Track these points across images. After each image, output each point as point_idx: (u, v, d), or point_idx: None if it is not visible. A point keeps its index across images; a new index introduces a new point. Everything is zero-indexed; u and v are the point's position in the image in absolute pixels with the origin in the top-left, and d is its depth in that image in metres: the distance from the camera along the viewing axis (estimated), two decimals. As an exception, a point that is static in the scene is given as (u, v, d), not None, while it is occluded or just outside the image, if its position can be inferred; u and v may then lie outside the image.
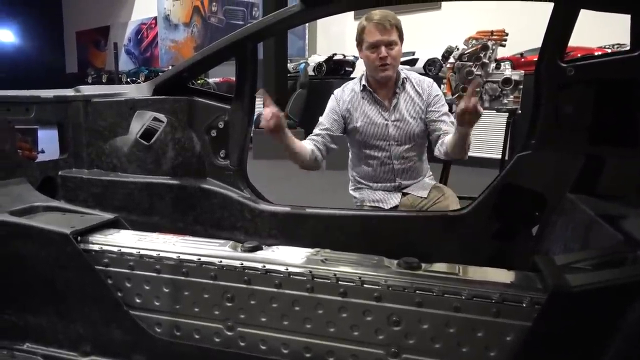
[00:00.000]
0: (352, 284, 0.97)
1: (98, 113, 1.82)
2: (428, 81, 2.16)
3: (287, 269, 1.00)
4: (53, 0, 15.77)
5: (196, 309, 1.09)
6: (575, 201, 1.36)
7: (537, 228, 1.60)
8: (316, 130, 2.13)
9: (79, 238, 1.15)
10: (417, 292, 0.93)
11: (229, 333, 1.07)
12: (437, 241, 1.66)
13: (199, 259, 1.07)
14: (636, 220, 1.11)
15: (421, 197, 2.11)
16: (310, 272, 0.99)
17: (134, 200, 1.76)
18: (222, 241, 1.14)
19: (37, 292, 1.21)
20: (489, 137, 5.88)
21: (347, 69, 7.98)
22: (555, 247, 1.36)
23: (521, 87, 3.33)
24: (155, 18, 12.79)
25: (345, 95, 2.14)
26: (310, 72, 7.73)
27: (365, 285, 0.96)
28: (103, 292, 1.13)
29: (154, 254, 1.10)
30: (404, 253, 1.05)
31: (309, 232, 1.72)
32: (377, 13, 1.98)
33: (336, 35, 8.85)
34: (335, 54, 7.90)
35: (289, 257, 1.04)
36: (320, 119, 2.18)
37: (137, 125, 1.82)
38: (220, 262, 1.05)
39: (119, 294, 1.14)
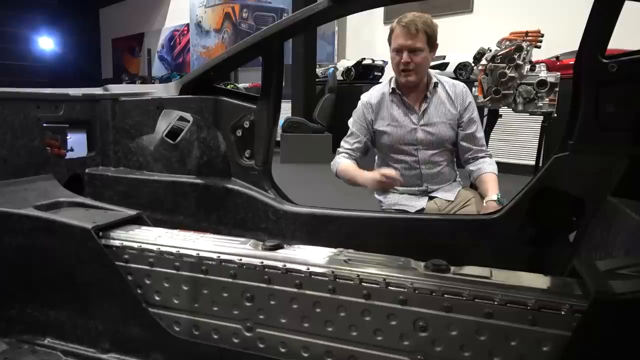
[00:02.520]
0: (376, 285, 0.92)
1: (125, 111, 1.83)
2: (462, 86, 2.10)
3: (309, 269, 0.96)
4: (91, 8, 16.31)
5: (215, 308, 1.06)
6: (618, 205, 1.27)
7: (575, 233, 1.51)
8: (350, 141, 2.14)
9: (100, 233, 1.15)
10: (446, 296, 0.87)
11: (248, 334, 1.03)
12: (468, 246, 1.59)
13: (219, 256, 1.04)
14: None
15: (448, 201, 2.05)
16: (333, 272, 0.94)
17: (158, 199, 1.75)
18: (243, 239, 1.11)
19: (58, 287, 1.21)
20: (522, 143, 5.71)
21: (375, 73, 7.91)
22: (596, 254, 1.27)
23: (557, 89, 3.21)
24: (187, 25, 13.04)
25: (372, 98, 2.11)
26: (339, 77, 7.70)
27: (390, 288, 0.91)
28: (123, 289, 1.12)
29: (174, 250, 1.08)
30: (434, 257, 0.99)
31: (333, 234, 1.68)
32: (408, 16, 1.93)
33: (366, 40, 8.80)
34: (364, 59, 7.84)
35: (310, 256, 1.00)
36: (350, 127, 2.16)
37: (163, 124, 1.82)
38: (240, 260, 1.02)
39: (139, 291, 1.12)
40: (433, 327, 0.88)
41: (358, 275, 0.93)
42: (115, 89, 1.90)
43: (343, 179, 2.12)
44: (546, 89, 3.18)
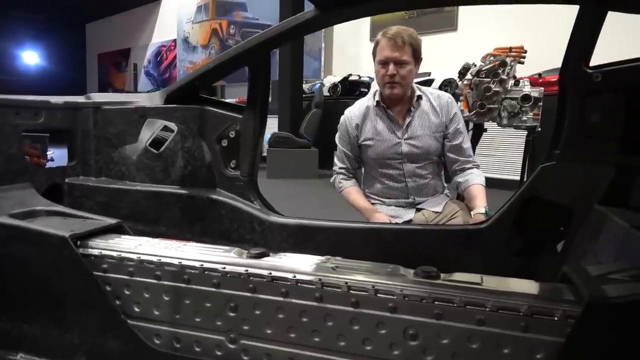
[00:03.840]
0: (364, 293, 0.89)
1: (108, 120, 1.79)
2: (447, 97, 2.10)
3: (295, 277, 0.93)
4: (77, 23, 16.26)
5: (197, 319, 1.02)
6: (606, 213, 1.27)
7: (563, 242, 1.51)
8: (343, 159, 2.19)
9: (78, 242, 1.10)
10: (436, 303, 0.85)
11: (231, 346, 0.99)
12: (456, 256, 1.57)
13: (202, 265, 1.00)
14: None
15: (435, 213, 2.04)
16: (320, 280, 0.91)
17: (141, 209, 1.71)
18: (226, 247, 1.07)
19: (33, 298, 1.16)
20: (506, 158, 5.77)
21: (362, 89, 7.96)
22: (584, 262, 1.26)
23: (541, 104, 3.25)
24: (174, 40, 13.05)
25: (355, 112, 2.11)
26: (326, 93, 7.74)
27: (379, 295, 0.88)
28: (101, 300, 1.07)
29: (155, 259, 1.04)
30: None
31: (320, 245, 1.65)
32: (393, 28, 1.94)
33: (352, 57, 8.89)
34: (351, 75, 7.91)
35: (297, 264, 0.97)
36: (338, 144, 2.18)
37: (146, 133, 1.79)
38: (224, 268, 0.99)
39: (117, 302, 1.08)
40: (423, 336, 0.86)
41: (346, 283, 0.90)
42: (97, 97, 1.87)
43: (347, 202, 2.18)
44: (530, 103, 3.22)
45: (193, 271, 1.01)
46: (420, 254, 1.58)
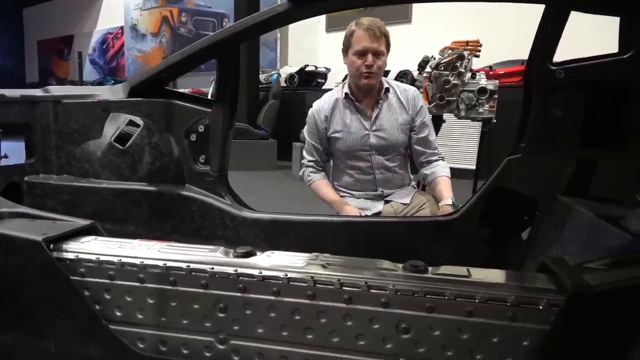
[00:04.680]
0: (357, 289, 0.90)
1: (69, 115, 1.70)
2: (413, 90, 2.15)
3: (286, 275, 0.93)
4: (13, 8, 15.23)
5: (185, 321, 0.99)
6: (571, 204, 1.35)
7: (529, 232, 1.59)
8: (311, 152, 2.16)
9: (51, 246, 1.05)
10: (428, 296, 0.87)
11: (221, 347, 0.98)
12: (428, 247, 1.62)
13: (188, 266, 0.98)
14: (638, 220, 1.10)
15: (404, 204, 2.09)
16: (312, 277, 0.92)
17: (107, 208, 1.65)
18: (211, 247, 1.05)
19: (4, 306, 1.09)
20: (460, 148, 5.96)
21: (319, 80, 7.97)
22: (552, 250, 1.34)
23: (496, 96, 3.38)
24: (121, 28, 12.51)
25: (323, 105, 2.11)
26: (282, 84, 7.68)
27: (371, 291, 0.89)
28: (79, 305, 1.03)
29: (137, 261, 1.01)
30: (395, 259, 1.00)
31: (294, 240, 1.66)
32: (366, 19, 1.96)
33: (308, 48, 8.86)
34: (307, 66, 7.89)
35: (287, 262, 0.97)
36: (306, 137, 2.17)
37: (111, 128, 1.72)
38: (212, 269, 0.97)
39: (97, 307, 1.04)
40: (415, 329, 0.88)
41: (339, 280, 0.91)
42: (57, 90, 1.77)
43: (316, 195, 2.17)
44: (486, 96, 3.33)
45: (179, 272, 0.98)
46: (393, 245, 1.62)
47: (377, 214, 2.05)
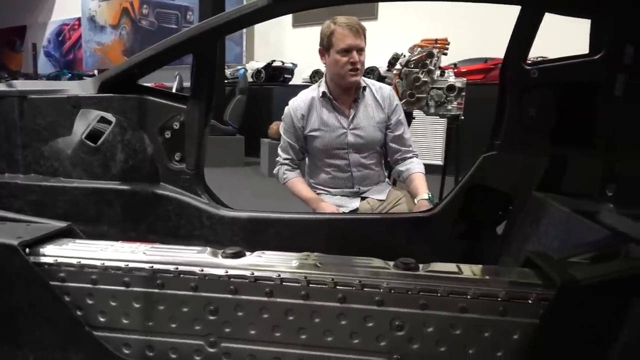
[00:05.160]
0: (351, 288, 0.90)
1: (36, 111, 1.62)
2: (388, 89, 2.17)
3: (279, 275, 0.92)
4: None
5: (173, 325, 0.97)
6: (545, 199, 1.39)
7: (504, 227, 1.63)
8: (287, 150, 2.15)
9: (27, 250, 1.00)
10: (421, 293, 0.88)
11: (211, 350, 0.96)
12: (407, 243, 1.64)
13: (177, 268, 0.95)
14: (613, 215, 1.15)
15: (380, 201, 2.11)
16: (306, 277, 0.91)
17: (79, 208, 1.58)
18: (198, 248, 1.03)
19: None
20: (429, 144, 6.07)
21: (286, 76, 7.92)
22: (528, 245, 1.38)
23: (464, 94, 3.46)
24: (78, 19, 12.01)
25: (300, 103, 2.10)
26: (249, 79, 7.59)
27: (365, 289, 0.90)
28: (59, 312, 0.98)
29: (122, 265, 0.97)
30: (375, 255, 1.01)
31: (273, 238, 1.64)
32: (342, 17, 1.96)
33: (274, 43, 8.79)
34: (274, 61, 7.83)
35: (278, 262, 0.96)
36: (282, 135, 2.15)
37: (81, 125, 1.65)
38: (202, 270, 0.95)
39: (79, 313, 0.99)
40: (409, 326, 0.89)
41: (332, 279, 0.91)
42: (21, 85, 1.68)
43: (291, 193, 2.16)
44: (455, 93, 3.41)
45: (167, 275, 0.96)
46: (373, 242, 1.63)
47: (354, 211, 2.06)
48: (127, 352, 0.99)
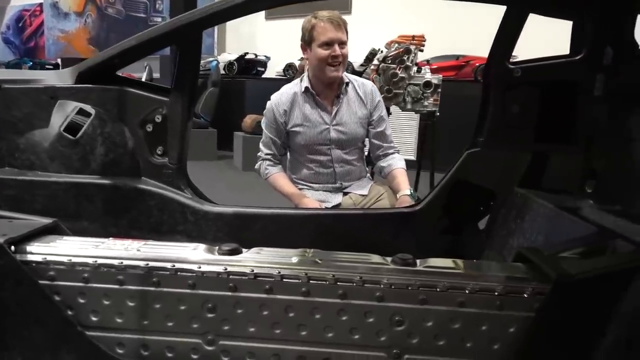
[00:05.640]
0: (352, 284, 0.91)
1: (10, 101, 1.55)
2: (370, 85, 2.17)
3: (279, 272, 0.92)
4: None
5: (169, 324, 0.95)
6: (529, 195, 1.43)
7: (487, 222, 1.67)
8: (269, 145, 2.13)
9: (13, 248, 0.96)
10: (421, 289, 0.90)
11: (209, 348, 0.95)
12: (392, 238, 1.66)
13: (174, 265, 0.94)
14: (593, 210, 1.19)
15: (362, 196, 2.12)
16: (306, 274, 0.91)
17: (58, 203, 1.53)
18: (192, 244, 1.01)
19: None
20: (402, 139, 6.14)
21: (259, 68, 7.84)
22: (512, 240, 1.42)
23: (440, 90, 3.51)
24: (40, 5, 11.51)
25: (282, 98, 2.08)
26: (221, 71, 7.47)
27: (366, 285, 0.90)
28: (49, 311, 0.95)
29: (116, 262, 0.94)
30: (360, 250, 1.02)
31: (258, 234, 1.64)
32: (323, 11, 1.96)
33: (247, 35, 8.67)
34: (247, 53, 7.73)
35: (278, 259, 0.95)
36: (264, 129, 2.13)
37: (59, 117, 1.59)
38: (200, 268, 0.93)
39: (70, 312, 0.96)
40: (409, 321, 0.91)
41: (333, 275, 0.91)
42: None
43: (273, 188, 2.15)
44: (431, 89, 3.46)
45: (164, 273, 0.94)
46: (358, 237, 1.65)
47: (337, 206, 2.07)
48: (120, 351, 0.97)
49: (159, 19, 9.86)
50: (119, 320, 0.96)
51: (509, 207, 1.53)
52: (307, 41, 1.98)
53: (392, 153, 2.16)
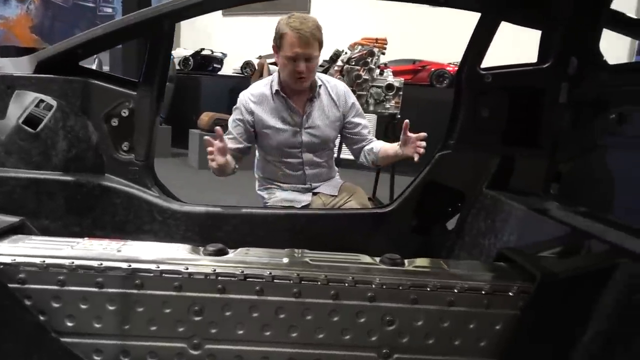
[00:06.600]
0: (344, 285, 0.90)
1: None
2: (342, 86, 2.15)
3: (271, 273, 0.90)
4: None
5: (152, 328, 0.91)
6: (499, 197, 1.48)
7: (457, 222, 1.72)
8: (232, 143, 1.97)
9: None
10: (412, 288, 0.90)
11: (194, 352, 0.91)
12: (365, 238, 1.67)
13: (158, 267, 0.89)
14: (562, 211, 1.25)
15: (332, 196, 2.11)
16: (298, 275, 0.90)
17: (16, 201, 1.43)
18: (176, 245, 0.97)
19: None
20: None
21: (215, 65, 7.70)
22: (484, 240, 1.46)
23: (401, 93, 3.58)
24: (-24, -12, 10.76)
25: (251, 98, 2.01)
26: (176, 66, 7.27)
27: (358, 286, 0.90)
28: (20, 316, 0.88)
29: (95, 264, 0.89)
30: (332, 250, 1.02)
31: (229, 234, 1.60)
32: (297, 20, 1.85)
33: (203, 30, 8.47)
34: (203, 49, 7.56)
35: (268, 259, 0.93)
36: (230, 127, 2.04)
37: (17, 108, 1.49)
38: (187, 269, 0.89)
39: (42, 318, 0.90)
40: (400, 320, 0.91)
41: (325, 276, 0.90)
42: None
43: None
44: (393, 92, 3.52)
45: (148, 274, 0.89)
46: (331, 236, 1.65)
47: (306, 206, 2.05)
48: (98, 358, 0.91)
49: (109, 9, 9.47)
50: (97, 326, 0.90)
51: (479, 207, 1.58)
52: (277, 45, 1.92)
53: (371, 139, 2.12)
